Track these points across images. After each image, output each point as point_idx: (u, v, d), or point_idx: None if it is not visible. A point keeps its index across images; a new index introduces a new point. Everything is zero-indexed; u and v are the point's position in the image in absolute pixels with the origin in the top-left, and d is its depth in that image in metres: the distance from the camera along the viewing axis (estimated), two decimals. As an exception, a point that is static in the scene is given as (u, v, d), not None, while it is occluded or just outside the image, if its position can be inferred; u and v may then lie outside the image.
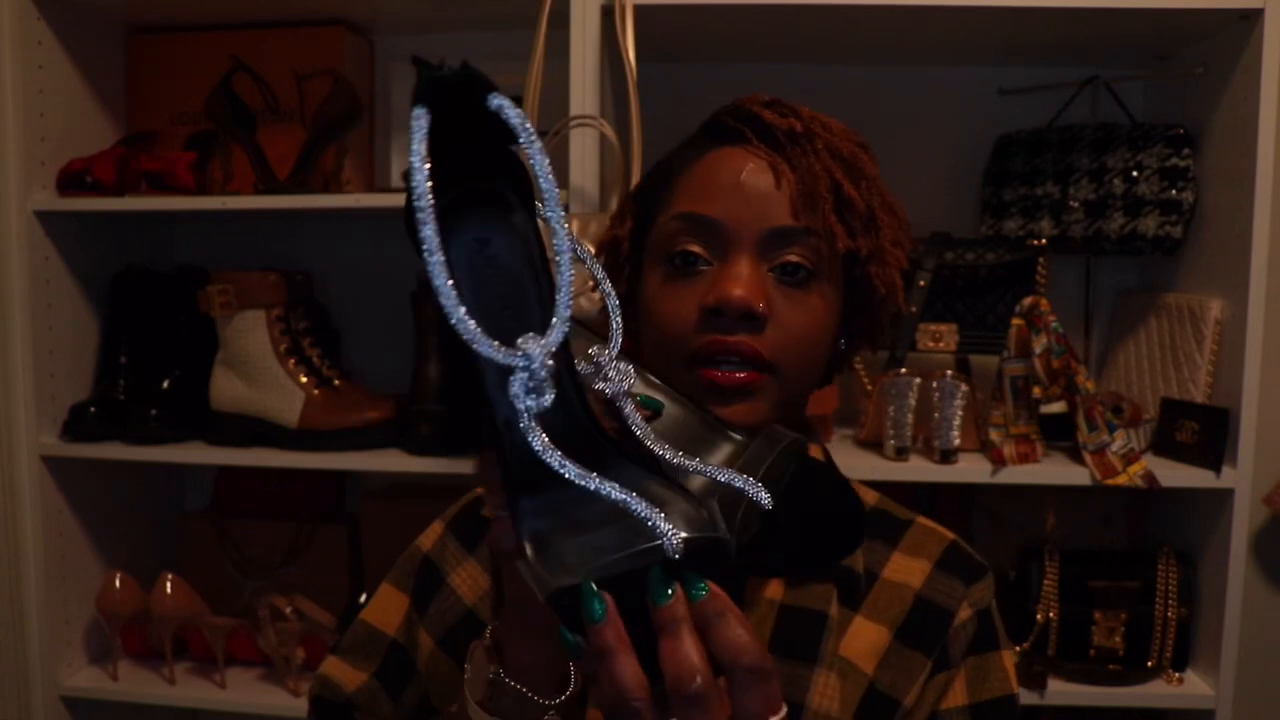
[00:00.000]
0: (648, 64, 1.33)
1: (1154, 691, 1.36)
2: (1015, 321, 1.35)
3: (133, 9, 1.59)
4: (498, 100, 0.44)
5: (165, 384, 1.54)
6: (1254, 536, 1.48)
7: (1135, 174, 1.42)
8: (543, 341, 0.45)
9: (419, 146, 0.42)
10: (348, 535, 1.64)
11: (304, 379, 1.47)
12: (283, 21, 1.58)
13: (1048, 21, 1.34)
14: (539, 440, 0.45)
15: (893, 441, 1.36)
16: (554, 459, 0.46)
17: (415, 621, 0.79)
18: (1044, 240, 1.46)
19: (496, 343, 0.44)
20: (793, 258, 0.68)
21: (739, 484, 0.51)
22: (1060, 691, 1.36)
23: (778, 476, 0.53)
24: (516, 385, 0.45)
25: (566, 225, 0.45)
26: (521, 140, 0.44)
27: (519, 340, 0.45)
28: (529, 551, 0.49)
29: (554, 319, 0.45)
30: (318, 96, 1.50)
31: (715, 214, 0.68)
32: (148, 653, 1.60)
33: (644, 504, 0.46)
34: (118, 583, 1.51)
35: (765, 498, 0.50)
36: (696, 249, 0.69)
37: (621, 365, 0.54)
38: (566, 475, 0.46)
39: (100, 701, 1.54)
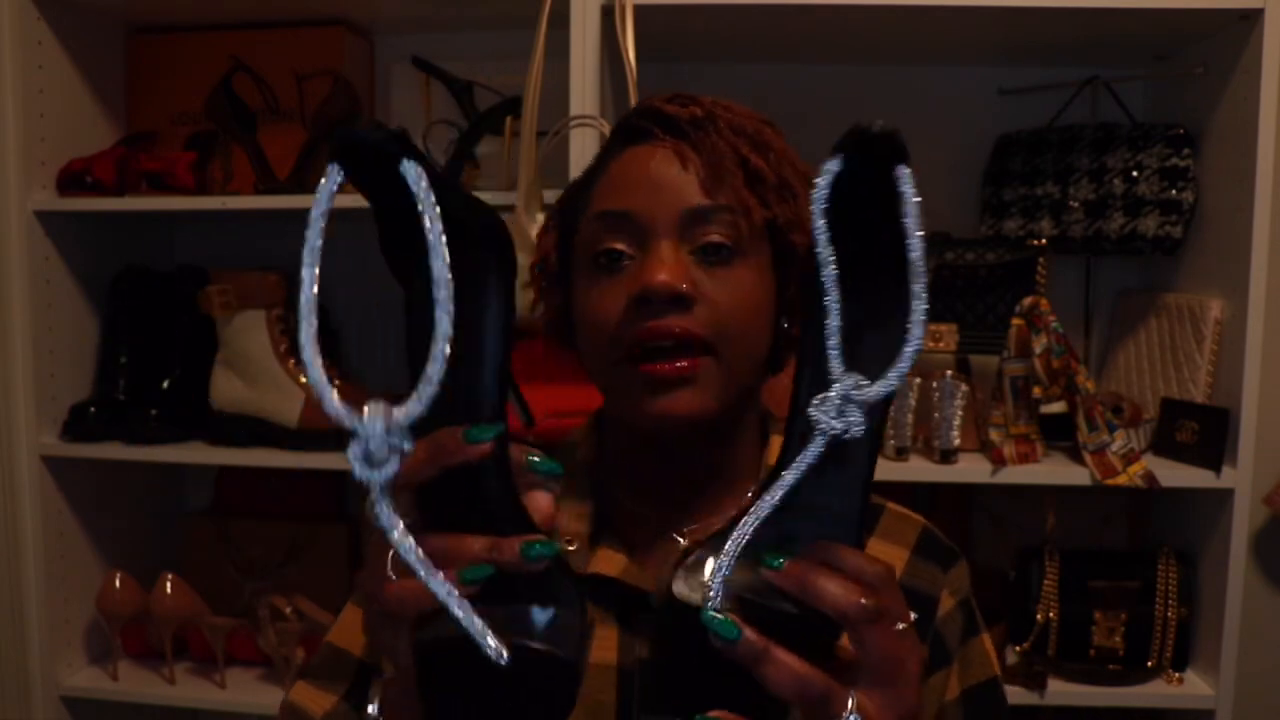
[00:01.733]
0: (648, 64, 1.32)
1: (1154, 691, 1.36)
2: (1015, 321, 1.35)
3: (133, 9, 1.59)
4: (408, 166, 0.42)
5: (165, 384, 1.55)
6: (1254, 536, 1.48)
7: (1135, 174, 1.42)
8: (397, 413, 0.42)
9: (324, 204, 0.42)
10: (348, 535, 1.64)
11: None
12: (283, 21, 1.58)
13: (1048, 21, 1.34)
14: (388, 517, 0.43)
15: (892, 441, 1.36)
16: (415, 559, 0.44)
17: None
18: (1044, 240, 1.46)
19: (342, 403, 0.41)
20: (713, 236, 0.68)
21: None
22: (1060, 691, 1.36)
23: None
24: (352, 452, 0.42)
25: (449, 285, 0.42)
26: (418, 203, 0.42)
27: (366, 406, 0.41)
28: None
29: (418, 387, 0.41)
30: (318, 96, 1.50)
31: (630, 206, 0.69)
32: (148, 653, 1.60)
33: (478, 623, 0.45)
34: (118, 583, 1.51)
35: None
36: (618, 245, 0.69)
37: None
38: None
39: (100, 701, 1.54)
